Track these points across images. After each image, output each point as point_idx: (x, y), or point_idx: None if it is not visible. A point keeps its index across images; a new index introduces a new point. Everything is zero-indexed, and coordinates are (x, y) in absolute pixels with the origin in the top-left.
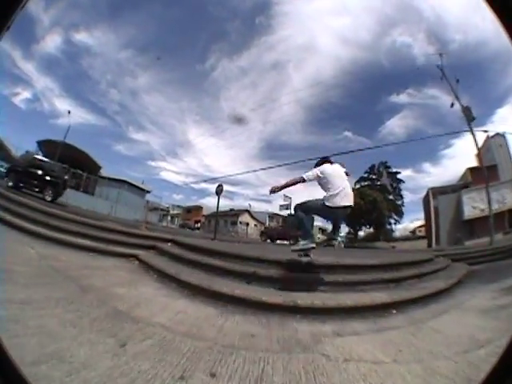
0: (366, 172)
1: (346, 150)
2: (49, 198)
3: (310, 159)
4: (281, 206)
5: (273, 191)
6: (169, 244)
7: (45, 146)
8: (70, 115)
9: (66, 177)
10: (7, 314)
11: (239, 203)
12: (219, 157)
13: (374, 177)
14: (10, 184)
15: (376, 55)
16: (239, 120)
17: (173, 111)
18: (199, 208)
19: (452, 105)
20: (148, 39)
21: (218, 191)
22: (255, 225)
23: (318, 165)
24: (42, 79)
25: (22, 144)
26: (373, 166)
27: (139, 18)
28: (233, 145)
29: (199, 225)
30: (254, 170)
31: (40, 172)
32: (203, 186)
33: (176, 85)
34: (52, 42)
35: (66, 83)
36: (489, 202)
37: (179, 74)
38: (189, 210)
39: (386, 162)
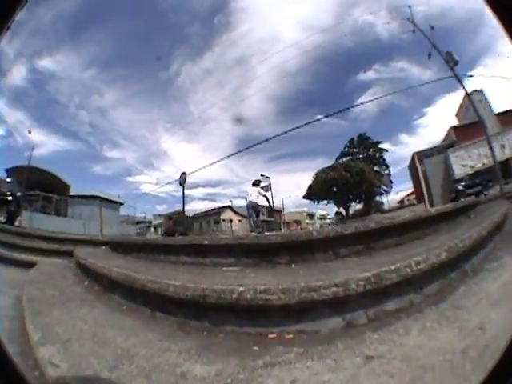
0: (345, 147)
1: (320, 134)
2: (3, 219)
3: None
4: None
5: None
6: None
7: (14, 172)
8: (31, 135)
9: (19, 194)
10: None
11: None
12: (195, 160)
13: (354, 150)
14: None
15: (339, 37)
16: (239, 120)
17: (143, 123)
18: (180, 213)
19: (429, 56)
20: (109, 55)
21: (182, 181)
22: (239, 220)
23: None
24: (12, 113)
25: None
26: (352, 139)
27: (98, 35)
28: (208, 147)
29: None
30: (223, 158)
31: None
32: (186, 192)
33: (143, 96)
34: (18, 73)
35: (36, 113)
36: (492, 154)
37: (144, 85)
38: (170, 217)
39: (365, 133)
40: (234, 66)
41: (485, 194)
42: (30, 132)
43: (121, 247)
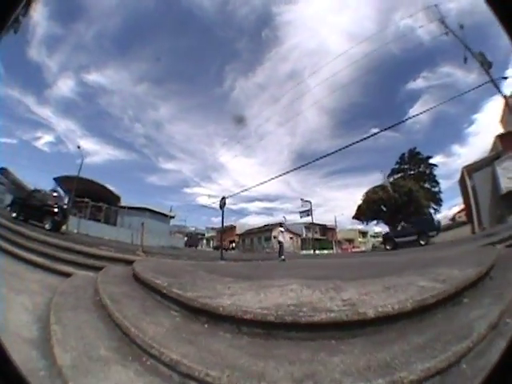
0: (396, 163)
1: (375, 148)
2: (48, 227)
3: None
4: (301, 212)
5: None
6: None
7: (62, 182)
8: (81, 149)
9: (65, 206)
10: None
11: (280, 219)
12: (253, 175)
13: (405, 166)
14: (14, 215)
15: (384, 44)
16: (240, 120)
17: (200, 137)
18: (232, 228)
19: (465, 59)
20: (161, 71)
21: (222, 205)
22: (290, 237)
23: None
24: (63, 122)
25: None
26: (403, 154)
27: (148, 51)
28: (265, 161)
29: (233, 245)
30: (279, 175)
31: (35, 203)
32: (242, 205)
33: (198, 111)
34: (65, 86)
35: (88, 123)
36: None
37: (199, 99)
38: (224, 232)
39: (415, 148)
40: (286, 79)
41: None
42: (79, 147)
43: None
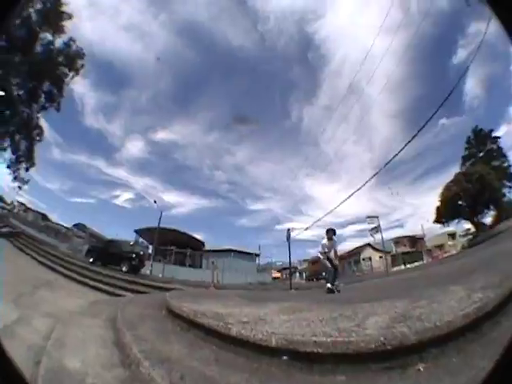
0: (465, 149)
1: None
2: (125, 269)
3: None
4: (370, 231)
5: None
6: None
7: (142, 233)
8: (156, 204)
9: (142, 252)
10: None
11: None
12: (340, 199)
13: (474, 150)
14: (91, 260)
15: (417, 27)
16: (240, 120)
17: (282, 172)
18: (321, 258)
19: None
20: (227, 117)
21: (287, 236)
22: (380, 257)
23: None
24: (141, 180)
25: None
26: (468, 138)
27: (206, 100)
28: (350, 182)
29: (324, 274)
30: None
31: (113, 250)
32: (338, 232)
33: (274, 148)
34: (134, 147)
35: (168, 178)
36: None
37: (272, 137)
38: (314, 262)
39: (476, 127)
40: (348, 94)
41: None
42: (155, 202)
43: None
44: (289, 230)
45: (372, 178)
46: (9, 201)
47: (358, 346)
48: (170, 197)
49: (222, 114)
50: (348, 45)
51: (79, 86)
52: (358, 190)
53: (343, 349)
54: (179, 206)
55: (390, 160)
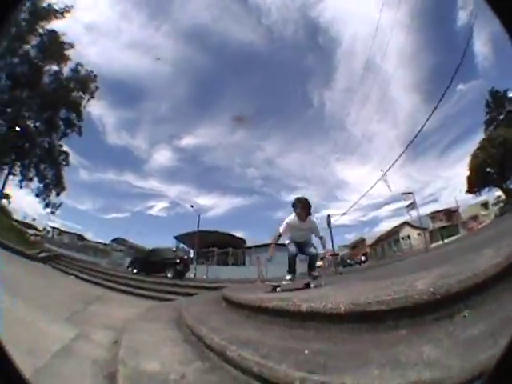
0: (486, 113)
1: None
2: (170, 275)
3: None
4: (406, 207)
5: (270, 260)
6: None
7: (182, 238)
8: (193, 208)
9: (186, 256)
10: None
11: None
12: (374, 179)
13: (494, 113)
14: (134, 271)
15: None
16: (241, 119)
17: (313, 161)
18: (362, 240)
19: None
20: (251, 112)
21: (328, 222)
22: (418, 234)
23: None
24: (173, 188)
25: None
26: (486, 101)
27: (226, 100)
28: (381, 162)
29: (363, 258)
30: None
31: (155, 259)
32: (373, 214)
33: (302, 137)
34: (162, 157)
35: (200, 181)
36: None
37: (298, 126)
38: (354, 246)
39: (492, 88)
40: (365, 72)
41: None
42: (192, 206)
43: None
44: (329, 216)
45: (402, 153)
46: (40, 227)
47: (413, 299)
48: (205, 200)
49: (244, 111)
50: (355, 22)
51: (96, 107)
52: (391, 167)
53: (401, 302)
54: (215, 207)
55: (417, 134)
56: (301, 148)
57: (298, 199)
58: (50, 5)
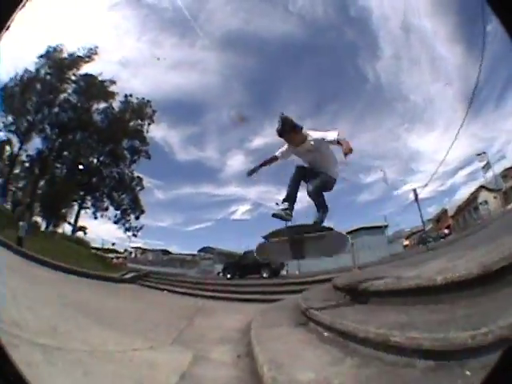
0: None
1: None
2: (265, 275)
3: None
4: (482, 169)
5: (249, 174)
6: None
7: (271, 237)
8: (277, 205)
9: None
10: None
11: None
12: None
13: None
14: (228, 276)
15: None
16: (241, 119)
17: (384, 135)
18: (444, 211)
19: None
20: (310, 101)
21: (415, 197)
22: (494, 197)
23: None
24: (252, 189)
25: None
26: None
27: (286, 94)
28: (447, 126)
29: (446, 231)
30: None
31: (248, 262)
32: (450, 182)
33: (367, 113)
34: (235, 162)
35: (278, 179)
36: None
37: (361, 105)
38: (438, 220)
39: None
40: (405, 33)
41: None
42: (277, 204)
43: None
44: (415, 190)
45: (467, 113)
46: (121, 250)
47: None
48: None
49: (302, 101)
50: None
51: (158, 130)
52: (461, 127)
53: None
54: (297, 201)
55: (474, 90)
56: (370, 125)
57: (278, 121)
58: (71, 54)
